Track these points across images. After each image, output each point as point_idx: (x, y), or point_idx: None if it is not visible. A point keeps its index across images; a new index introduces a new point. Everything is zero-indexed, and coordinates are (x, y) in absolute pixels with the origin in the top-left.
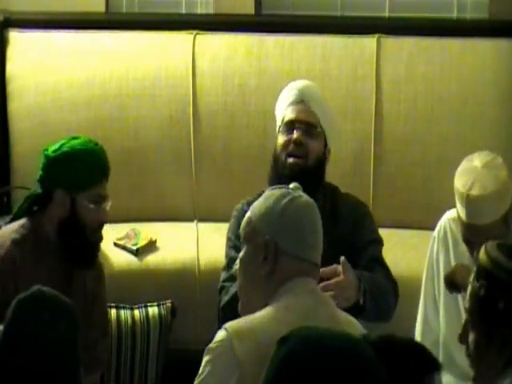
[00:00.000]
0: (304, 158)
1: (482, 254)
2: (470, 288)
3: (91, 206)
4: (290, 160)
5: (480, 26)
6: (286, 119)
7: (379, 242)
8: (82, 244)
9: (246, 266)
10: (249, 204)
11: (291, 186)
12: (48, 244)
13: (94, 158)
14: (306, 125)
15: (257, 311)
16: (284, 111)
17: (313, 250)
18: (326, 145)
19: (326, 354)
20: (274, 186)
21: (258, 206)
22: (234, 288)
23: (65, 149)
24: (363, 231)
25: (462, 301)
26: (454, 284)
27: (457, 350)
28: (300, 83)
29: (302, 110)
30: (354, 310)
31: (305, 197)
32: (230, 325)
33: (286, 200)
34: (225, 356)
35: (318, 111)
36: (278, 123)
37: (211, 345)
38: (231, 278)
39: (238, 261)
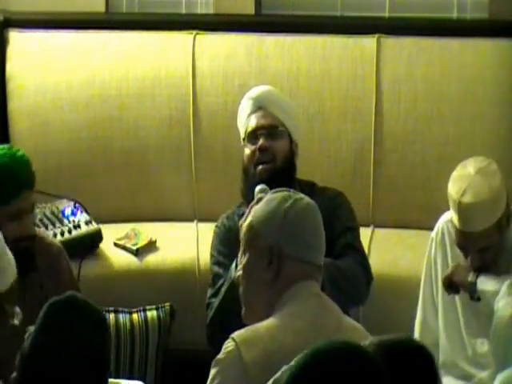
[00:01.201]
0: (271, 163)
1: None
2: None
3: (9, 221)
4: (259, 168)
5: (480, 26)
6: (249, 129)
7: (355, 229)
8: (19, 256)
9: (249, 272)
10: (228, 217)
11: (258, 187)
12: None
13: (5, 172)
14: (267, 128)
15: (261, 317)
16: (245, 123)
17: (316, 252)
18: (291, 141)
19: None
20: (274, 190)
21: (259, 210)
22: (216, 302)
23: None
24: (337, 221)
25: (460, 301)
26: (452, 285)
27: (456, 351)
28: (254, 92)
29: (262, 115)
30: None
31: (306, 199)
32: (238, 334)
33: (288, 203)
34: (233, 366)
35: (277, 112)
36: (242, 136)
37: (219, 356)
38: (216, 294)
39: (239, 267)
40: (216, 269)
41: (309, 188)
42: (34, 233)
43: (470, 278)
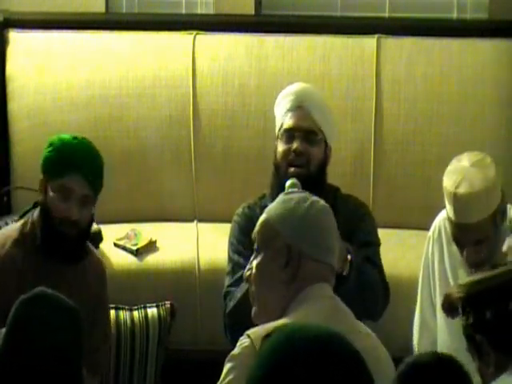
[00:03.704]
0: (305, 167)
1: (457, 293)
2: (462, 330)
3: (54, 195)
4: (292, 170)
5: (480, 26)
6: (285, 126)
7: (375, 244)
8: (52, 234)
9: (264, 271)
10: (250, 207)
11: (289, 181)
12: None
13: (66, 148)
14: (305, 132)
15: (274, 317)
16: (282, 117)
17: (332, 254)
18: (326, 144)
19: (304, 345)
20: (288, 191)
21: (275, 209)
22: (238, 293)
23: (53, 137)
24: (358, 233)
25: None
26: (452, 306)
27: (455, 350)
28: (297, 87)
29: (301, 116)
30: (336, 280)
31: (322, 201)
32: (253, 331)
33: (306, 204)
34: (249, 362)
35: (316, 116)
36: (277, 128)
37: (234, 352)
38: (236, 283)
39: (249, 266)
40: (236, 258)
41: (333, 192)
42: (74, 218)
43: None
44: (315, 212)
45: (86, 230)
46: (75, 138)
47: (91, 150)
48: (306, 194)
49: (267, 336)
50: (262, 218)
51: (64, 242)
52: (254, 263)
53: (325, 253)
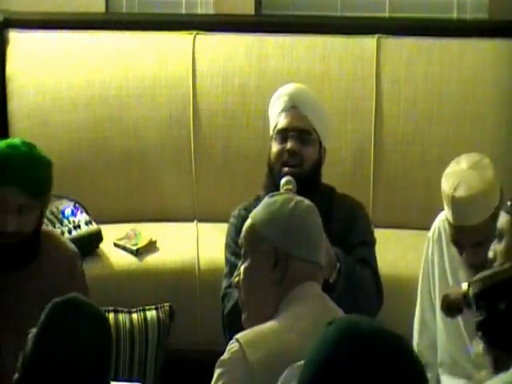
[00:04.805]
0: (299, 167)
1: (470, 289)
2: (475, 325)
3: None
4: (286, 169)
5: (480, 25)
6: (279, 127)
7: (370, 244)
8: None
9: (252, 275)
10: (246, 209)
11: (284, 179)
12: None
13: None
14: (299, 132)
15: (264, 319)
16: (276, 118)
17: (319, 252)
18: (320, 145)
19: (367, 337)
20: (272, 193)
21: (260, 212)
22: (236, 293)
23: None
24: (354, 233)
25: None
26: (451, 307)
27: (456, 350)
28: (290, 88)
29: (294, 116)
30: (323, 287)
31: (306, 200)
32: (241, 335)
33: (291, 205)
34: (239, 367)
35: (310, 115)
36: (271, 129)
37: (223, 357)
38: None
39: (237, 272)
40: (233, 259)
41: (329, 192)
42: (10, 230)
43: (463, 288)
44: (300, 213)
45: (32, 235)
46: (10, 145)
47: (27, 158)
48: (290, 196)
49: (330, 323)
50: (247, 223)
51: (2, 253)
52: (242, 268)
53: (312, 252)
